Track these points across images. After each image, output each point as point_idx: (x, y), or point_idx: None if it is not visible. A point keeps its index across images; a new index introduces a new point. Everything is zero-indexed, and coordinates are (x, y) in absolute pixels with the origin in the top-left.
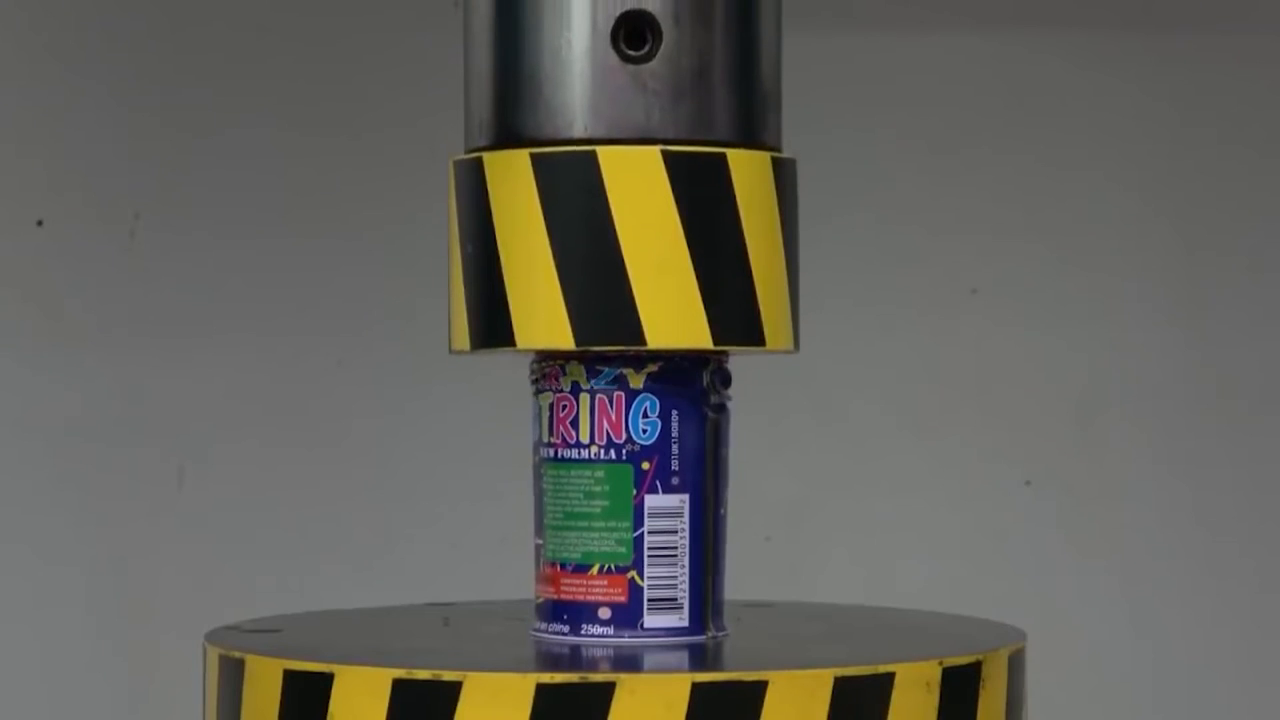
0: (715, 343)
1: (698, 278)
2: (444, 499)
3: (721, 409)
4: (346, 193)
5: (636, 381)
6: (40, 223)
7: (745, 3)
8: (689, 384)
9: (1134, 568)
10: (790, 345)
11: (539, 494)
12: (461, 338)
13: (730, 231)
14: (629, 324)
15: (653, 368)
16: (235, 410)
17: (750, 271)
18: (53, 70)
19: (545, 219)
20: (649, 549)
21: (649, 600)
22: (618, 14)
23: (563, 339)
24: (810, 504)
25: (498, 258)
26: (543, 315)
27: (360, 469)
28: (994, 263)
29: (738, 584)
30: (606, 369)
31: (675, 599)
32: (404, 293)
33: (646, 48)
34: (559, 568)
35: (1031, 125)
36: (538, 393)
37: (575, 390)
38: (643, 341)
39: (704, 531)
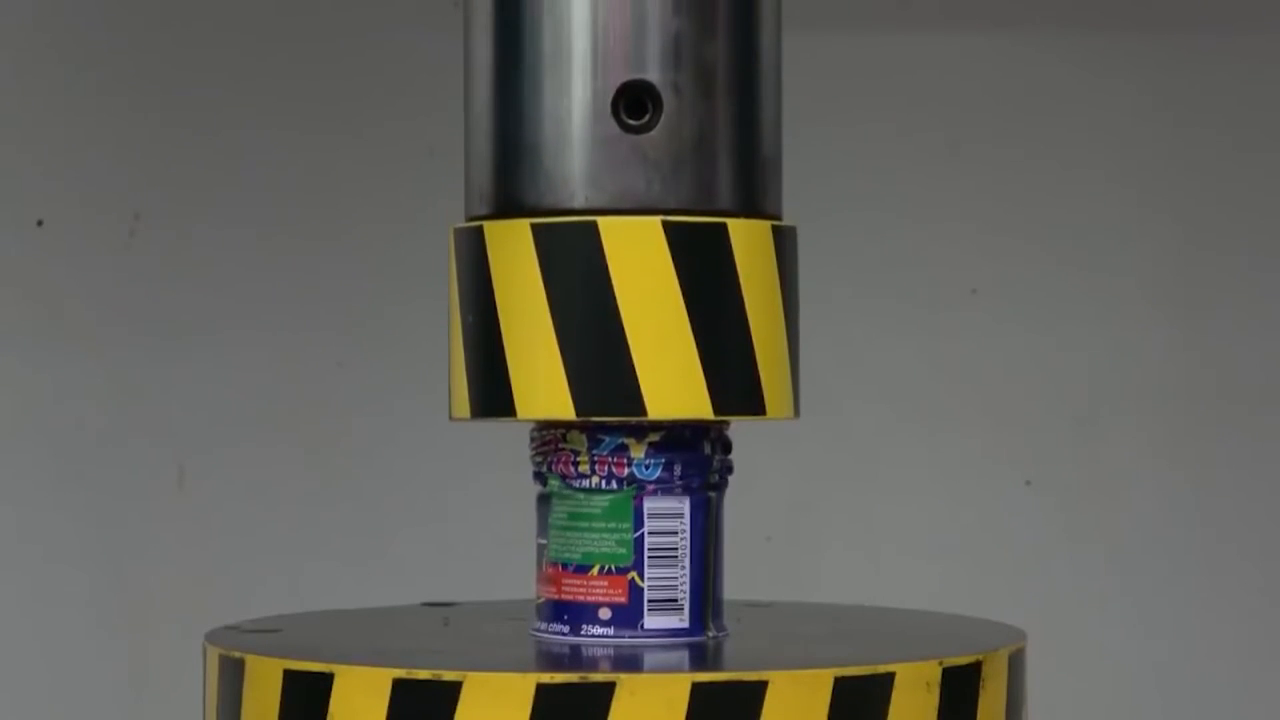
0: (716, 412)
1: (698, 348)
2: (444, 499)
3: (722, 479)
4: (346, 192)
5: (638, 451)
6: (40, 223)
7: (745, 72)
8: (690, 452)
9: (1134, 568)
10: (791, 414)
11: (540, 494)
12: (462, 406)
13: (731, 301)
14: (629, 394)
15: (654, 437)
16: (235, 410)
17: (751, 341)
18: (53, 70)
19: (546, 289)
20: (649, 550)
21: (649, 601)
22: (618, 84)
23: (563, 409)
24: (810, 504)
25: (498, 327)
26: (543, 385)
27: (360, 469)
28: (994, 263)
29: (738, 584)
30: (607, 438)
31: (675, 600)
32: (404, 293)
33: (647, 117)
34: (560, 568)
35: (1031, 125)
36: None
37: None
38: (643, 412)
39: (704, 533)
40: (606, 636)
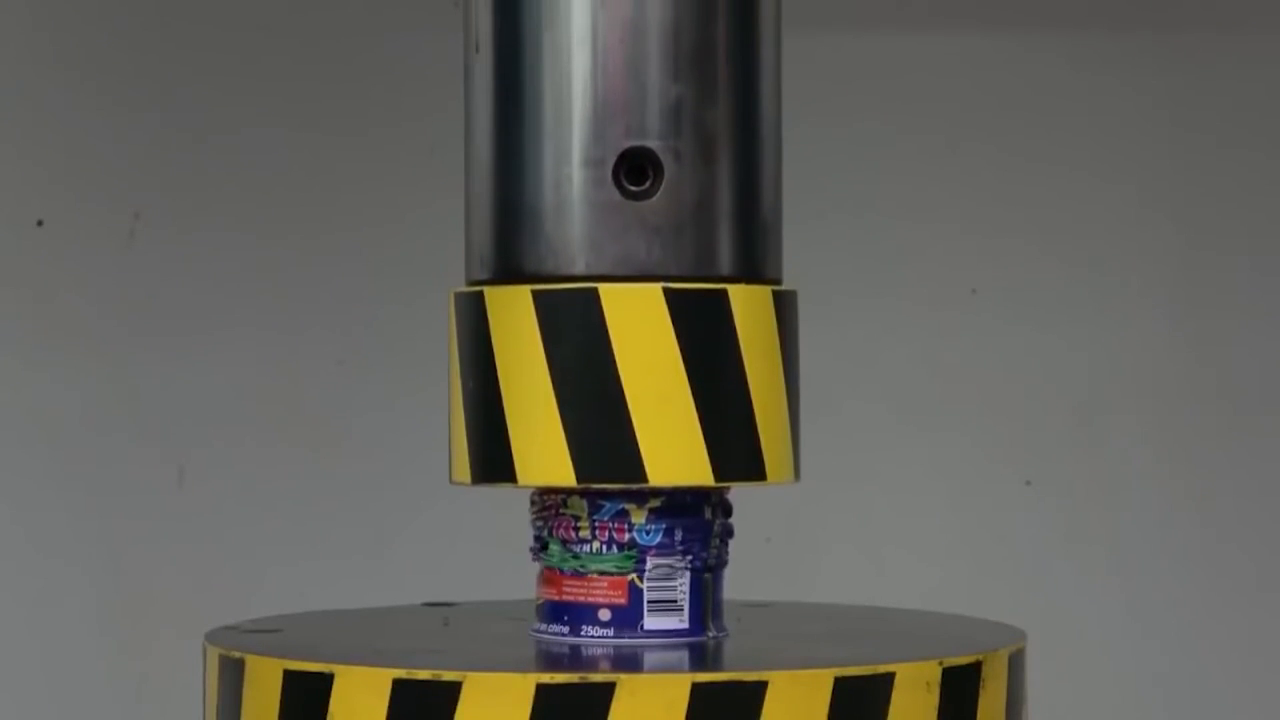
0: (717, 479)
1: (699, 414)
2: (444, 499)
3: (723, 542)
4: (346, 192)
5: (639, 517)
6: (40, 223)
7: (746, 137)
8: (691, 517)
9: (1134, 568)
10: (791, 478)
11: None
12: (462, 470)
13: (731, 367)
14: (630, 461)
15: (655, 503)
16: (235, 410)
17: (751, 407)
18: (53, 70)
19: (546, 356)
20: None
21: (649, 602)
22: (618, 150)
23: (564, 476)
24: (810, 504)
25: (498, 393)
26: (543, 452)
27: (360, 468)
28: (994, 263)
29: (738, 584)
30: (608, 504)
31: (675, 601)
32: (404, 292)
33: (647, 184)
34: (560, 569)
35: (1031, 125)
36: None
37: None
38: (644, 478)
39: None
40: (606, 637)
